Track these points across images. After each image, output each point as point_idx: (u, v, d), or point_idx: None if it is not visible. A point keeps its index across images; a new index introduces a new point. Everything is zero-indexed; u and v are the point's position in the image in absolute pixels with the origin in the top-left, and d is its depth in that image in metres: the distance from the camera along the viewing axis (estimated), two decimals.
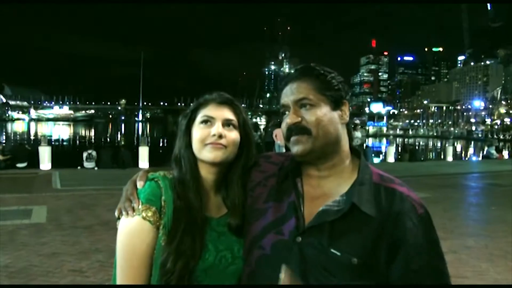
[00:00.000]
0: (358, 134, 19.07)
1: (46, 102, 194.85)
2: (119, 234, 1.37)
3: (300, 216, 1.32)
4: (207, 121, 1.46)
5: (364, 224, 1.27)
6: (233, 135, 1.46)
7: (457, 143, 66.58)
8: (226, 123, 1.46)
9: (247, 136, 1.52)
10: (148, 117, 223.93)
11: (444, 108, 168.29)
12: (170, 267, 1.32)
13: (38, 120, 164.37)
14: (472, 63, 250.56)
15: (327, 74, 1.38)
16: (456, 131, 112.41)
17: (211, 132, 1.43)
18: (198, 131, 1.45)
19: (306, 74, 1.38)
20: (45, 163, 15.45)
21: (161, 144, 40.45)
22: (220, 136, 1.43)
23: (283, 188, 1.41)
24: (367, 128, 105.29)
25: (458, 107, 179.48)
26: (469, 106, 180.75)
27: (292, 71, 1.44)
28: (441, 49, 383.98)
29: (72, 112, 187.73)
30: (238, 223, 1.45)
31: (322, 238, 1.27)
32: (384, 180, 1.36)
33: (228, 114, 1.48)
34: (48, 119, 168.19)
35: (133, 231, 1.35)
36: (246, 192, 1.49)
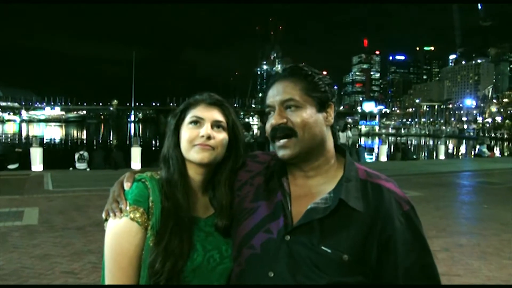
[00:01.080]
0: (349, 133, 19.15)
1: (38, 103, 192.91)
2: (107, 236, 1.37)
3: (288, 215, 1.33)
4: (196, 121, 1.46)
5: (353, 220, 1.28)
6: (222, 136, 1.47)
7: (449, 142, 66.83)
8: (215, 125, 1.47)
9: (236, 138, 1.52)
10: (140, 117, 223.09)
11: (436, 107, 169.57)
12: (159, 267, 1.32)
13: (30, 121, 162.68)
14: (463, 62, 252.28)
15: (314, 75, 1.39)
16: (448, 130, 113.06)
17: (200, 133, 1.44)
18: (186, 132, 1.46)
19: (294, 74, 1.39)
20: (37, 165, 15.32)
21: (153, 145, 40.45)
22: (209, 137, 1.43)
23: (270, 188, 1.42)
24: (359, 127, 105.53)
25: (450, 106, 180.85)
26: (461, 105, 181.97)
27: (280, 70, 1.46)
28: (432, 48, 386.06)
29: (63, 113, 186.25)
30: (225, 224, 1.46)
31: (312, 236, 1.28)
32: (370, 176, 1.38)
33: (218, 115, 1.49)
34: (40, 120, 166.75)
35: (121, 233, 1.35)
36: (233, 192, 1.50)
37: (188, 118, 1.48)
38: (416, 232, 1.32)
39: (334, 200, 1.30)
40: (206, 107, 1.49)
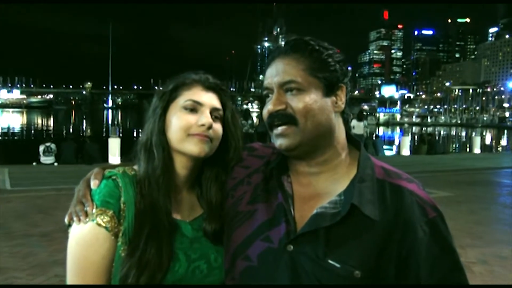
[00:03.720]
0: (364, 123, 19.09)
1: None
2: (69, 245, 1.37)
3: (291, 221, 1.32)
4: (193, 106, 1.45)
5: (367, 230, 1.26)
6: (219, 127, 1.48)
7: (486, 133, 67.04)
8: (213, 113, 1.47)
9: (234, 130, 1.53)
10: (119, 103, 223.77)
11: (471, 91, 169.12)
12: (132, 282, 1.31)
13: None
14: (507, 36, 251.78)
15: (323, 50, 1.36)
16: (485, 118, 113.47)
17: (199, 121, 1.42)
18: (181, 118, 1.44)
19: (297, 49, 1.36)
20: None
21: (135, 135, 40.48)
22: (210, 127, 1.43)
23: (270, 187, 1.42)
24: (377, 115, 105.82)
25: (488, 90, 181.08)
26: (502, 88, 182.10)
27: (282, 44, 1.43)
28: (467, 20, 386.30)
29: (25, 97, 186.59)
30: (215, 228, 1.46)
31: (317, 246, 1.26)
32: (389, 175, 1.36)
33: (216, 102, 1.49)
34: None
35: (85, 240, 1.34)
36: (225, 192, 1.51)
37: (182, 101, 1.46)
38: (444, 244, 1.29)
39: (345, 205, 1.28)
40: (204, 90, 1.48)
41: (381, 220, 1.26)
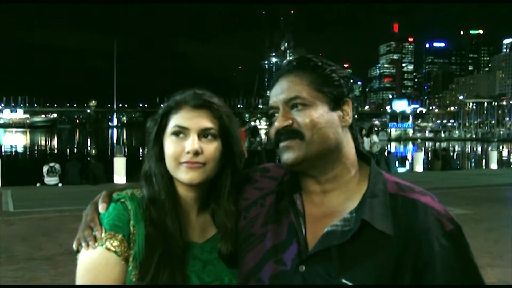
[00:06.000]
0: (375, 138, 19.04)
1: None
2: (78, 270, 1.36)
3: (302, 240, 1.33)
4: (179, 132, 1.44)
5: (380, 246, 1.26)
6: (213, 148, 1.44)
7: (503, 147, 66.59)
8: (203, 134, 1.44)
9: (229, 148, 1.49)
10: (125, 121, 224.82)
11: (486, 104, 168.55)
12: None
13: None
14: None
15: (326, 66, 1.39)
16: (501, 132, 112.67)
17: (185, 148, 1.41)
18: (170, 146, 1.44)
19: (300, 67, 1.39)
20: None
21: (141, 154, 40.57)
22: (197, 153, 1.41)
23: (282, 207, 1.42)
24: (389, 130, 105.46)
25: (504, 103, 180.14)
26: None
27: (286, 64, 1.44)
28: (481, 31, 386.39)
29: (28, 116, 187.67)
30: (231, 249, 1.46)
31: (329, 266, 1.27)
32: (402, 189, 1.36)
33: (205, 121, 1.45)
34: None
35: (95, 266, 1.34)
36: (237, 211, 1.51)
37: (170, 127, 1.45)
38: (464, 257, 1.28)
39: (356, 221, 1.28)
40: (191, 111, 1.45)
41: (396, 235, 1.26)
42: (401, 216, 1.28)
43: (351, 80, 1.45)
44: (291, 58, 1.46)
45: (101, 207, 1.40)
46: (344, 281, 1.24)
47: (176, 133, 1.43)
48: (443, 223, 1.28)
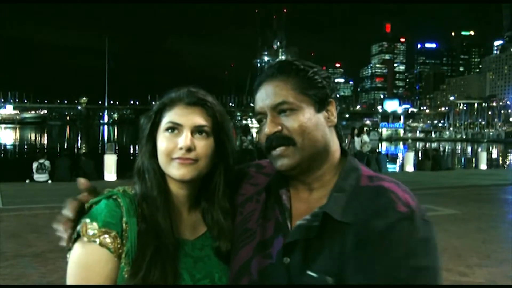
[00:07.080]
0: (365, 138, 19.06)
1: None
2: (70, 266, 1.36)
3: (287, 235, 1.36)
4: (173, 128, 1.45)
5: (340, 235, 1.28)
6: (205, 145, 1.46)
7: (492, 148, 66.98)
8: (197, 130, 1.45)
9: (222, 146, 1.51)
10: (116, 118, 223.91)
11: (476, 105, 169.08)
12: None
13: None
14: None
15: (308, 69, 1.41)
16: (491, 133, 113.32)
17: (178, 144, 1.42)
18: (163, 142, 1.45)
19: (283, 71, 1.41)
20: None
21: (131, 152, 40.46)
22: (189, 150, 1.42)
23: (270, 204, 1.46)
24: (380, 130, 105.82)
25: (494, 104, 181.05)
26: (508, 102, 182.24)
27: (267, 69, 1.46)
28: (472, 33, 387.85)
29: (18, 112, 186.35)
30: (229, 246, 1.48)
31: (301, 258, 1.30)
32: (371, 180, 1.37)
33: (199, 119, 1.46)
34: None
35: (87, 262, 1.33)
36: (233, 206, 1.54)
37: (164, 123, 1.46)
38: (405, 241, 1.21)
39: (321, 215, 1.31)
40: (185, 108, 1.46)
41: (353, 222, 1.27)
42: (363, 204, 1.29)
43: (333, 80, 1.48)
44: (273, 63, 1.45)
45: (66, 211, 1.43)
46: (309, 272, 1.27)
47: (169, 129, 1.44)
48: (397, 204, 1.25)
